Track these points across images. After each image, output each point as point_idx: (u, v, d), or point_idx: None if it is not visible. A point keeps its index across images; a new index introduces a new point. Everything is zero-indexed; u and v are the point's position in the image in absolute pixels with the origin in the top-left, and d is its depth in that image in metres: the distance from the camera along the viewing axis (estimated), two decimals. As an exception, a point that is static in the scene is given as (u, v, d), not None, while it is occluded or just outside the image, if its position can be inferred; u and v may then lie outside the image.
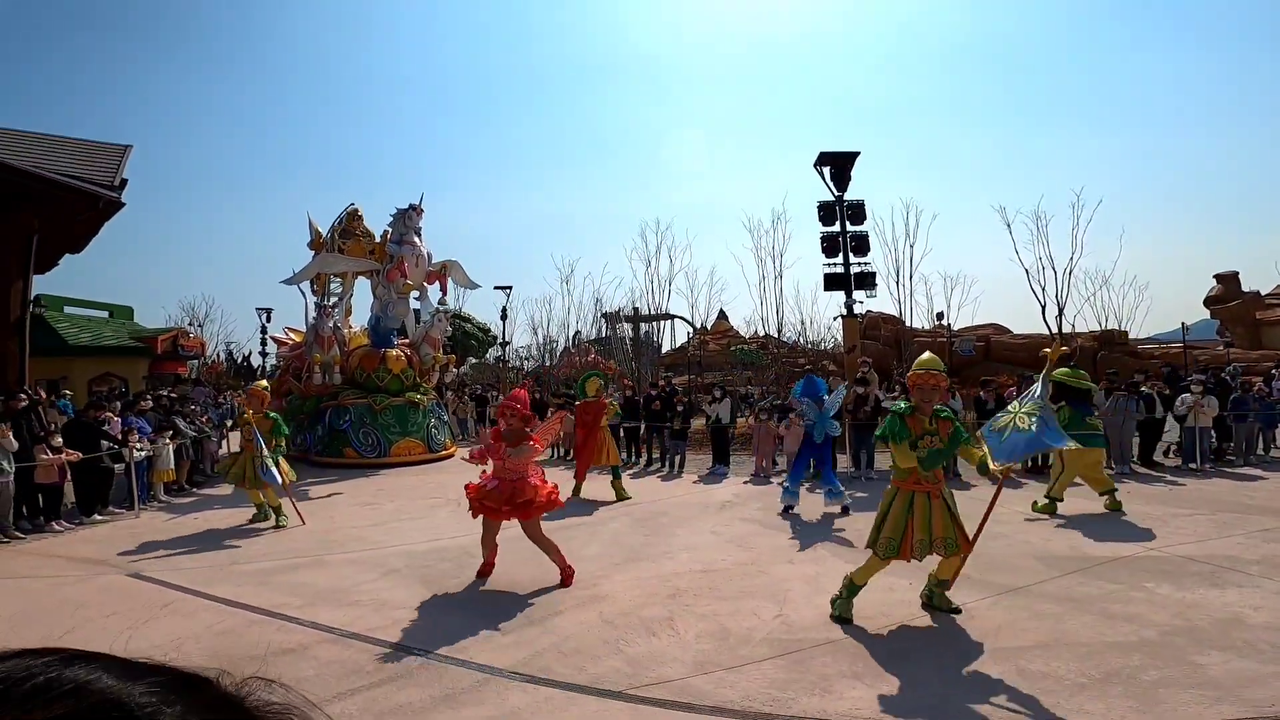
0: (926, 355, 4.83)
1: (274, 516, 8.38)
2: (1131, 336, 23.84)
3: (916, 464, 4.49)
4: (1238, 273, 30.06)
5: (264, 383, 9.10)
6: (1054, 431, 4.56)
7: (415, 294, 15.24)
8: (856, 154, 17.05)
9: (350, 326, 16.25)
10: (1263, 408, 11.13)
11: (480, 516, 5.88)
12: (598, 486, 9.96)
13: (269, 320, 31.95)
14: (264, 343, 32.12)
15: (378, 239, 16.03)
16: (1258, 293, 29.18)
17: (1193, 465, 10.60)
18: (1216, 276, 30.93)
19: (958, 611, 4.69)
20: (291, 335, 16.74)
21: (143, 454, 9.67)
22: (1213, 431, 10.88)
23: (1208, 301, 30.84)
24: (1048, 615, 4.57)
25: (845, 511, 8.21)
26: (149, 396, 12.17)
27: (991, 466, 4.56)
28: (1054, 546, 6.37)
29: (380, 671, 4.19)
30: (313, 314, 14.83)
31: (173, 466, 10.65)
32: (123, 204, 12.15)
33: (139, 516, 9.09)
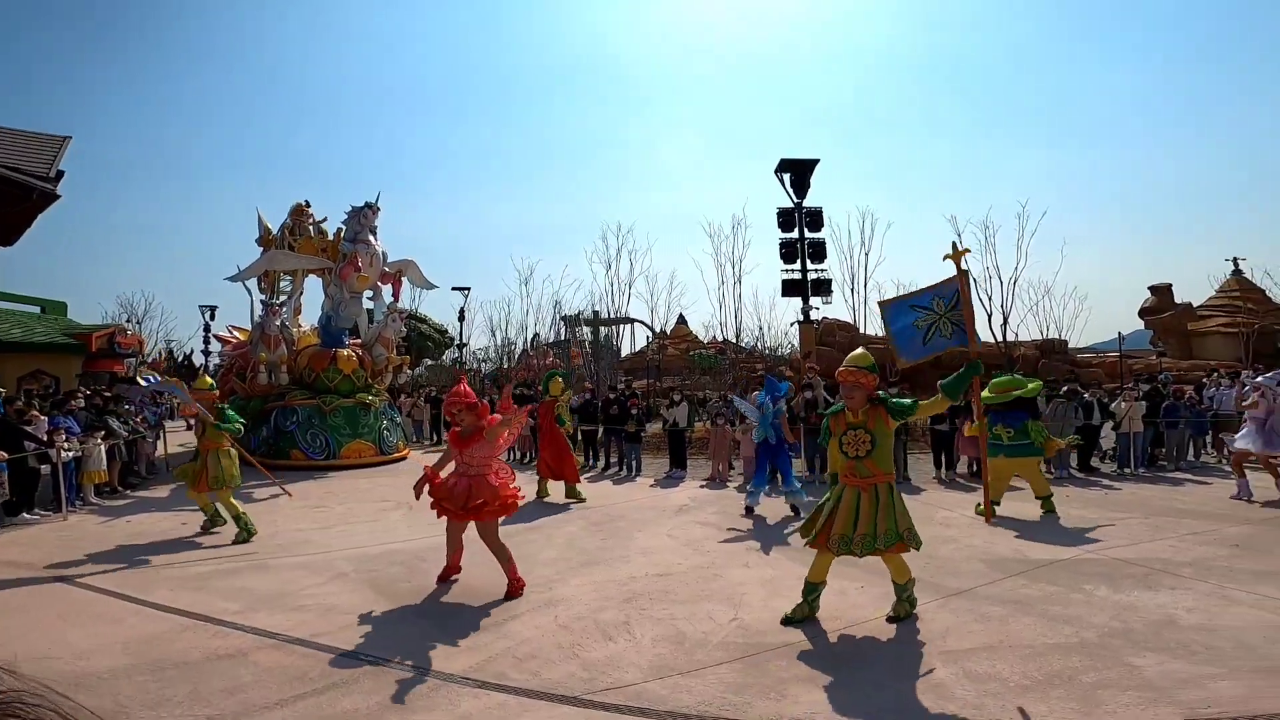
0: (856, 352, 4.85)
1: (235, 523, 7.58)
2: (1071, 346, 24.77)
3: (840, 464, 4.62)
4: (1171, 285, 31.57)
5: (209, 380, 8.69)
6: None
7: (369, 294, 14.93)
8: (816, 161, 17.37)
9: (299, 325, 15.85)
10: (1193, 415, 11.67)
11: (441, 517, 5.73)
12: (549, 488, 9.84)
13: (213, 318, 31.00)
14: (207, 341, 31.11)
15: (330, 236, 15.68)
16: (1189, 304, 30.71)
17: (1127, 470, 11.08)
18: (1151, 288, 32.45)
19: (898, 620, 4.67)
20: (236, 333, 16.26)
21: (70, 454, 9.19)
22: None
23: (1142, 312, 32.31)
24: (993, 618, 4.68)
25: (796, 512, 8.30)
26: (80, 395, 11.59)
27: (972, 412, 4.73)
28: (998, 549, 6.56)
29: (324, 678, 4.05)
30: (259, 312, 14.45)
31: (104, 467, 10.15)
32: (58, 196, 11.56)
33: (67, 519, 8.64)
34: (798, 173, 17.13)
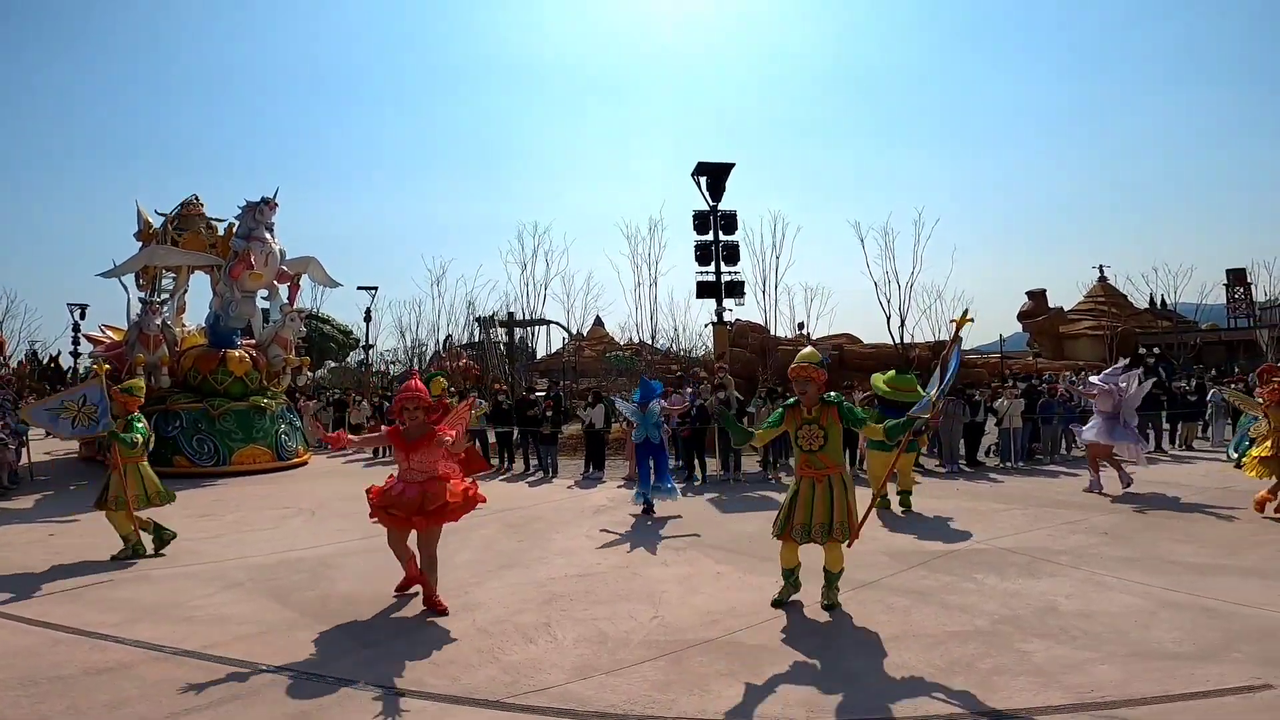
0: (806, 350, 5.21)
1: (146, 543, 6.79)
2: (961, 348, 26.58)
3: (796, 457, 4.89)
4: (1045, 290, 34.39)
5: (139, 381, 7.61)
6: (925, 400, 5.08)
7: (264, 293, 14.17)
8: (732, 165, 17.75)
9: (184, 325, 14.94)
10: (1066, 412, 12.73)
11: (386, 526, 5.19)
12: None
13: (83, 317, 28.67)
14: (76, 341, 28.62)
15: (220, 232, 14.87)
16: (1061, 309, 33.57)
17: (1008, 463, 11.98)
18: (1028, 293, 35.31)
19: (833, 607, 4.91)
20: (110, 333, 15.11)
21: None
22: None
23: (1020, 316, 35.06)
24: (897, 608, 4.95)
25: (648, 512, 8.40)
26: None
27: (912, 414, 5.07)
28: (899, 542, 6.93)
29: (221, 690, 3.81)
30: (136, 310, 13.43)
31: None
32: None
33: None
34: (714, 176, 17.47)
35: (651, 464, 8.63)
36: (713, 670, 3.95)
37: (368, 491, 5.30)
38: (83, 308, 28.69)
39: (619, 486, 10.74)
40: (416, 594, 5.26)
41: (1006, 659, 3.99)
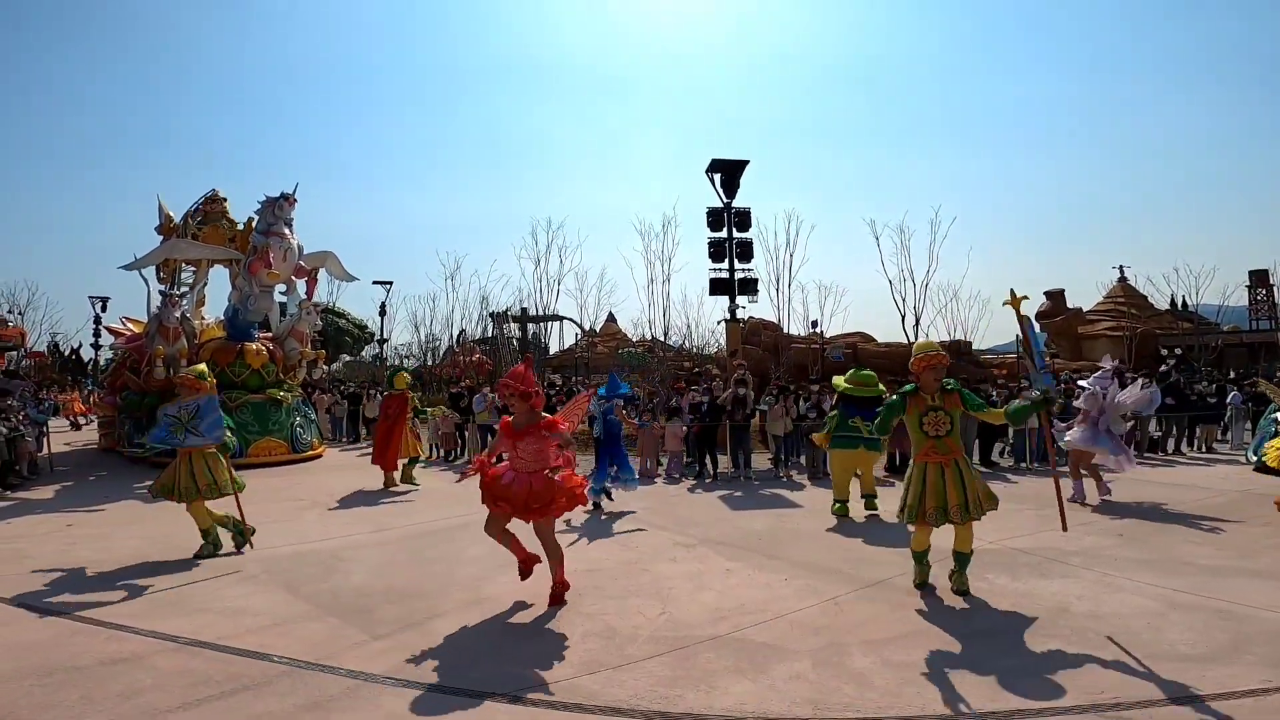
0: (922, 341, 5.57)
1: (233, 536, 6.74)
2: (975, 347, 26.30)
3: (920, 443, 5.07)
4: (1064, 290, 33.99)
5: (201, 368, 7.39)
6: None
7: (282, 287, 14.34)
8: (746, 162, 17.71)
9: (203, 318, 15.07)
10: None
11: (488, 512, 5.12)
12: (473, 485, 9.57)
13: (104, 309, 29.15)
14: (97, 333, 29.11)
15: (240, 227, 14.99)
16: (1079, 309, 33.15)
17: (1023, 464, 11.87)
18: (1046, 293, 34.91)
19: (964, 592, 5.13)
20: (130, 326, 15.30)
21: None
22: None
23: (1037, 316, 34.65)
24: (907, 606, 4.92)
25: (597, 507, 8.45)
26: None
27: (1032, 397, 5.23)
28: (908, 541, 6.87)
29: (233, 680, 3.85)
30: (156, 303, 13.60)
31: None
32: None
33: (-68, 517, 7.85)
34: (728, 173, 17.45)
35: (610, 459, 8.80)
36: (720, 667, 3.95)
37: (483, 474, 5.16)
38: (104, 300, 29.24)
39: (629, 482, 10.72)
40: (420, 590, 5.28)
41: (1018, 660, 3.96)
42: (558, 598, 5.07)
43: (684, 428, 11.65)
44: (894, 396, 5.27)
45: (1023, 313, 5.16)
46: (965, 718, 3.34)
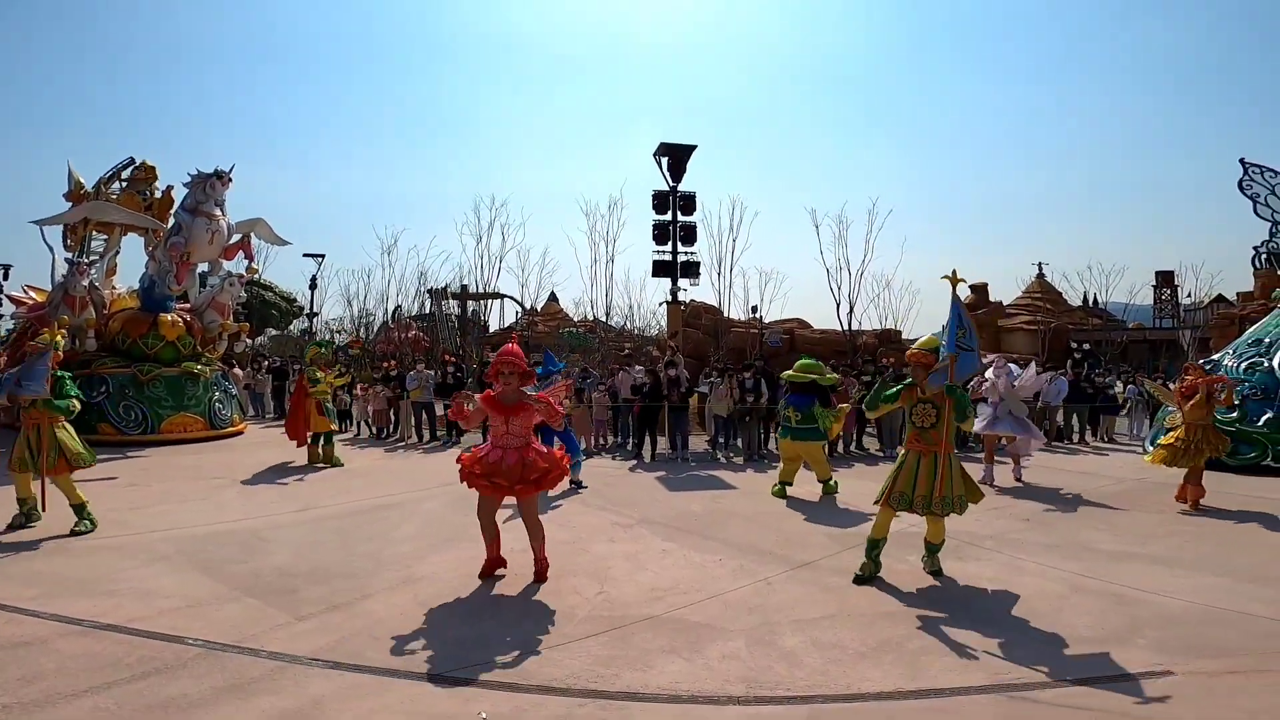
0: (926, 337, 5.60)
1: (81, 520, 6.39)
2: (905, 336, 27.25)
3: (908, 432, 5.27)
4: (986, 284, 35.48)
5: (58, 336, 7.15)
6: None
7: (203, 265, 13.74)
8: (694, 147, 17.72)
9: (114, 287, 14.25)
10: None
11: (477, 497, 5.10)
12: (407, 463, 9.40)
13: (5, 277, 27.95)
14: (-1, 302, 27.46)
15: (159, 195, 14.40)
16: (1000, 303, 34.76)
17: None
18: (971, 287, 36.37)
19: (937, 572, 5.36)
20: (33, 294, 14.35)
21: None
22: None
23: (961, 308, 35.89)
24: (834, 588, 5.10)
25: (578, 484, 8.60)
26: None
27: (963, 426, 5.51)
28: (838, 523, 7.13)
29: (145, 664, 3.69)
30: (61, 271, 12.74)
31: None
32: None
33: None
34: (675, 157, 17.43)
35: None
36: (656, 646, 4.00)
37: (458, 460, 5.20)
38: (5, 268, 27.93)
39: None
40: (346, 570, 5.15)
41: (933, 640, 4.16)
42: (541, 575, 5.12)
43: (604, 394, 12.12)
44: (895, 386, 5.53)
45: (956, 294, 5.32)
46: (884, 696, 3.49)
